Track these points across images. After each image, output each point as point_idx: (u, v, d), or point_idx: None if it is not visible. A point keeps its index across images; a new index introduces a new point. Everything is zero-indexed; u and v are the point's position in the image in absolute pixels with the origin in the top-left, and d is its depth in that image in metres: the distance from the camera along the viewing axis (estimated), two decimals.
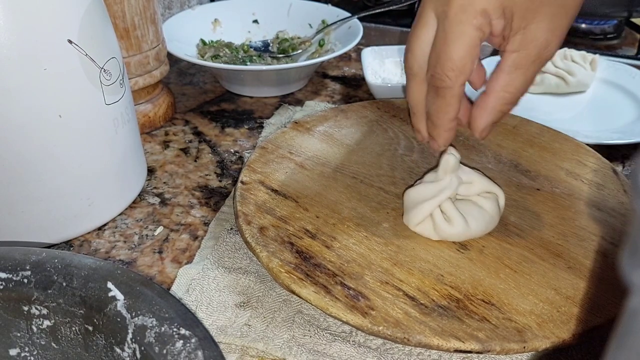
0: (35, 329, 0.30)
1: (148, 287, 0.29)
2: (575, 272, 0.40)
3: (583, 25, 0.86)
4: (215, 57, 0.70)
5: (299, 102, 0.68)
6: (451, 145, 0.42)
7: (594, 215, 0.45)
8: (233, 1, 0.80)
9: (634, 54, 0.79)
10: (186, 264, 0.44)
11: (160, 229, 0.48)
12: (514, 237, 0.43)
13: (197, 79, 0.74)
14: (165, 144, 0.60)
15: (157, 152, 0.58)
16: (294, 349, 0.36)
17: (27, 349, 0.31)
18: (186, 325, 0.27)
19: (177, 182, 0.54)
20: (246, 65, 0.70)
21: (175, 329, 0.27)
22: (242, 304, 0.39)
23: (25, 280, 0.30)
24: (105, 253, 0.45)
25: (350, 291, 0.37)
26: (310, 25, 0.77)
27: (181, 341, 0.26)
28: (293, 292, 0.37)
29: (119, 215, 0.49)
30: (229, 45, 0.74)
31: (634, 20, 0.86)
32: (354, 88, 0.72)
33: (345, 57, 0.80)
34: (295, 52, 0.74)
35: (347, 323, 0.36)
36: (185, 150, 0.59)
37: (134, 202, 0.51)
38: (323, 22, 0.76)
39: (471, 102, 0.40)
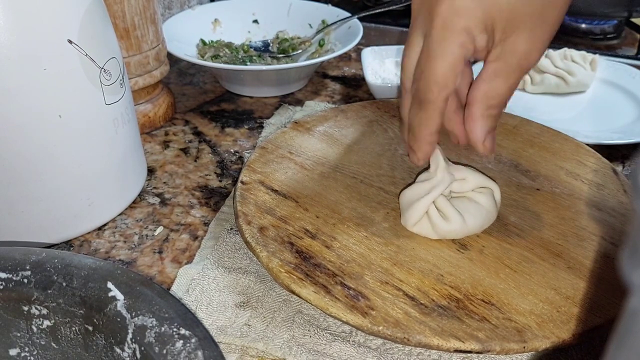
0: (35, 329, 0.30)
1: (148, 287, 0.29)
2: (575, 272, 0.40)
3: (583, 25, 0.86)
4: (215, 57, 0.70)
5: (299, 102, 0.68)
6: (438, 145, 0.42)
7: (594, 215, 0.45)
8: (233, 1, 0.80)
9: (634, 54, 0.79)
10: (186, 264, 0.44)
11: (160, 229, 0.48)
12: (514, 237, 0.43)
13: (197, 79, 0.74)
14: (165, 144, 0.60)
15: (157, 152, 0.58)
16: (294, 349, 0.36)
17: (27, 349, 0.31)
18: (186, 325, 0.27)
19: (177, 182, 0.54)
20: (246, 65, 0.70)
21: (175, 329, 0.27)
22: (242, 304, 0.39)
23: (25, 280, 0.30)
24: (105, 253, 0.45)
25: (350, 291, 0.37)
26: (310, 25, 0.77)
27: (181, 341, 0.26)
28: (293, 292, 0.37)
29: (119, 215, 0.49)
30: (229, 45, 0.74)
31: (634, 20, 0.86)
32: (354, 88, 0.72)
33: (345, 57, 0.80)
34: (295, 52, 0.74)
35: (347, 323, 0.36)
36: (185, 150, 0.59)
37: (134, 202, 0.51)
38: (323, 22, 0.76)
39: None
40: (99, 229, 0.48)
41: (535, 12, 0.36)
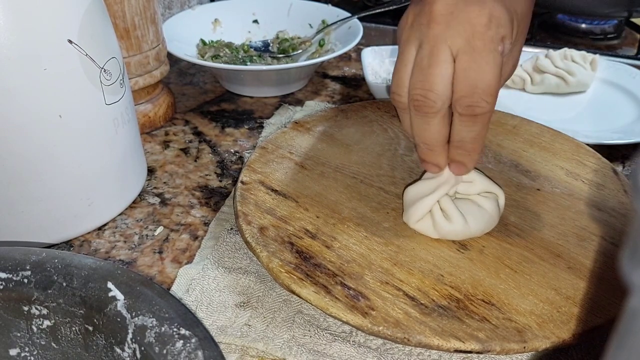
0: (35, 329, 0.30)
1: (148, 287, 0.29)
2: (575, 272, 0.40)
3: (583, 25, 0.86)
4: (215, 57, 0.70)
5: (299, 102, 0.68)
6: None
7: (594, 216, 0.45)
8: (233, 1, 0.80)
9: (634, 54, 0.79)
10: (186, 264, 0.44)
11: (160, 229, 0.48)
12: (514, 237, 0.43)
13: (197, 79, 0.74)
14: (165, 144, 0.60)
15: (157, 152, 0.58)
16: (294, 349, 0.36)
17: (27, 349, 0.31)
18: (186, 325, 0.27)
19: (177, 182, 0.54)
20: (246, 65, 0.70)
21: (175, 329, 0.27)
22: (242, 304, 0.39)
23: (25, 280, 0.30)
24: (105, 253, 0.45)
25: (351, 291, 0.37)
26: (310, 25, 0.77)
27: (181, 341, 0.26)
28: (293, 292, 0.37)
29: (119, 215, 0.49)
30: (229, 45, 0.74)
31: (634, 20, 0.86)
32: (354, 88, 0.72)
33: (345, 57, 0.80)
34: (295, 52, 0.74)
35: (347, 323, 0.36)
36: (185, 150, 0.59)
37: (134, 202, 0.51)
38: (323, 22, 0.76)
39: None
40: (99, 229, 0.48)
41: (529, 19, 0.37)
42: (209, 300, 0.40)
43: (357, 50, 0.78)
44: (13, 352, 0.31)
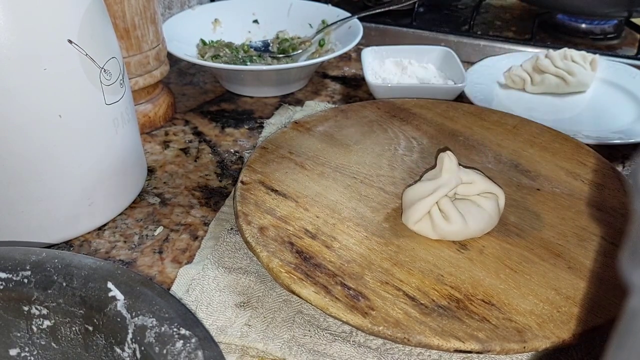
0: (35, 329, 0.30)
1: (148, 287, 0.29)
2: (575, 272, 0.40)
3: (583, 25, 0.86)
4: (215, 57, 0.70)
5: (299, 102, 0.68)
6: (448, 148, 0.42)
7: (594, 215, 0.45)
8: (233, 1, 0.80)
9: (634, 54, 0.79)
10: (186, 264, 0.44)
11: (160, 229, 0.48)
12: (514, 237, 0.43)
13: (197, 79, 0.74)
14: (165, 144, 0.60)
15: (157, 152, 0.58)
16: (294, 349, 0.36)
17: (27, 349, 0.31)
18: (186, 325, 0.27)
19: (177, 182, 0.54)
20: (246, 65, 0.70)
21: (175, 329, 0.27)
22: (242, 304, 0.39)
23: (25, 280, 0.30)
24: (105, 253, 0.45)
25: (350, 291, 0.37)
26: (310, 25, 0.77)
27: (181, 341, 0.26)
28: (293, 292, 0.37)
29: (119, 215, 0.49)
30: (229, 45, 0.74)
31: (634, 20, 0.85)
32: (354, 88, 0.72)
33: (345, 57, 0.80)
34: (295, 52, 0.74)
35: (347, 323, 0.36)
36: (185, 150, 0.59)
37: (134, 202, 0.51)
38: (323, 22, 0.76)
39: None
40: (99, 229, 0.48)
41: None
42: (209, 300, 0.40)
43: (357, 50, 0.78)
44: (13, 352, 0.31)
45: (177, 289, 0.41)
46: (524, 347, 0.34)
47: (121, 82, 0.46)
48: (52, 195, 0.43)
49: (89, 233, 0.47)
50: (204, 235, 0.47)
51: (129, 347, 0.27)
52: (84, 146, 0.43)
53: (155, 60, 0.59)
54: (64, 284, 0.29)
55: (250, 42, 0.77)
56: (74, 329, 0.29)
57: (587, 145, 0.54)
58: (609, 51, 0.80)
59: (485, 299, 0.37)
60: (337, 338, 0.37)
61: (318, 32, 0.75)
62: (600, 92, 0.68)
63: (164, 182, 0.54)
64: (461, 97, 0.65)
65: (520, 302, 0.37)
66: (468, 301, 0.37)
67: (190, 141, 0.60)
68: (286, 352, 0.36)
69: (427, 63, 0.69)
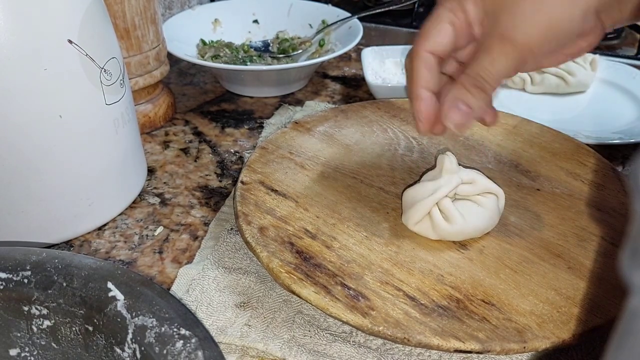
0: (35, 329, 0.30)
1: (148, 287, 0.29)
2: (575, 272, 0.40)
3: None
4: (215, 57, 0.70)
5: (299, 102, 0.68)
6: (448, 149, 0.42)
7: (594, 216, 0.45)
8: (233, 1, 0.80)
9: (634, 54, 0.79)
10: (186, 264, 0.44)
11: (160, 229, 0.48)
12: (514, 237, 0.43)
13: (197, 79, 0.74)
14: (166, 144, 0.60)
15: (157, 152, 0.58)
16: (294, 349, 0.36)
17: (27, 349, 0.31)
18: (186, 326, 0.27)
19: (177, 182, 0.54)
20: (246, 65, 0.70)
21: (175, 329, 0.27)
22: (242, 304, 0.39)
23: (26, 280, 0.30)
24: (106, 253, 0.45)
25: (351, 291, 0.37)
26: (310, 25, 0.77)
27: (181, 341, 0.26)
28: (293, 293, 0.37)
29: (119, 215, 0.49)
30: (229, 45, 0.74)
31: None
32: (354, 88, 0.72)
33: (345, 57, 0.80)
34: (295, 52, 0.74)
35: (347, 323, 0.36)
36: (185, 150, 0.59)
37: (134, 202, 0.51)
38: (323, 22, 0.76)
39: None
40: (99, 229, 0.48)
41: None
42: (209, 300, 0.40)
43: (357, 50, 0.78)
44: (13, 352, 0.31)
45: (177, 289, 0.41)
46: (524, 347, 0.34)
47: (121, 82, 0.46)
48: (52, 195, 0.43)
49: (89, 233, 0.47)
50: (204, 236, 0.47)
51: (129, 347, 0.27)
52: (84, 146, 0.43)
53: (155, 60, 0.59)
54: (64, 284, 0.29)
55: (250, 42, 0.77)
56: (74, 329, 0.29)
57: (587, 145, 0.54)
58: (609, 51, 0.80)
59: (485, 299, 0.37)
60: (337, 338, 0.37)
61: (318, 32, 0.75)
62: (600, 92, 0.68)
63: (164, 182, 0.54)
64: None
65: (520, 303, 0.37)
66: (468, 301, 0.37)
67: (190, 141, 0.60)
68: (286, 352, 0.36)
69: None
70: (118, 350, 0.28)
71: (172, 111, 0.64)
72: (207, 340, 0.26)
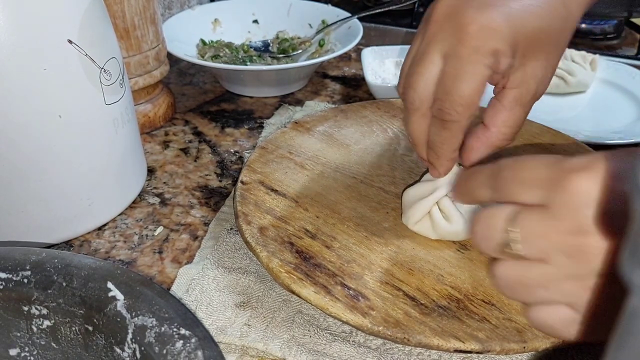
0: (35, 329, 0.30)
1: (148, 287, 0.29)
2: None
3: (583, 25, 0.86)
4: (215, 57, 0.70)
5: (299, 102, 0.68)
6: None
7: None
8: (233, 1, 0.80)
9: (634, 54, 0.79)
10: (186, 264, 0.44)
11: (160, 229, 0.48)
12: None
13: (197, 79, 0.74)
14: (165, 144, 0.60)
15: (157, 152, 0.58)
16: (293, 349, 0.36)
17: (27, 349, 0.31)
18: (186, 325, 0.27)
19: (177, 182, 0.54)
20: (246, 65, 0.70)
21: (175, 329, 0.27)
22: (242, 304, 0.39)
23: (25, 280, 0.30)
24: (105, 253, 0.45)
25: (350, 291, 0.37)
26: (310, 25, 0.77)
27: (181, 341, 0.26)
28: (293, 292, 0.37)
29: (119, 215, 0.49)
30: (229, 45, 0.74)
31: (634, 20, 0.86)
32: (354, 88, 0.72)
33: (345, 57, 0.80)
34: (295, 52, 0.74)
35: (347, 323, 0.36)
36: (185, 150, 0.59)
37: (134, 202, 0.51)
38: (323, 22, 0.76)
39: None
40: (99, 229, 0.48)
41: (553, 37, 0.36)
42: (209, 300, 0.40)
43: (357, 50, 0.78)
44: (13, 352, 0.31)
45: (177, 289, 0.41)
46: (524, 347, 0.34)
47: (121, 82, 0.46)
48: (52, 195, 0.43)
49: (89, 233, 0.47)
50: (204, 235, 0.47)
51: (129, 347, 0.27)
52: (84, 146, 0.43)
53: (155, 60, 0.59)
54: (64, 284, 0.29)
55: (250, 42, 0.77)
56: (74, 329, 0.29)
57: (587, 145, 0.54)
58: (609, 51, 0.80)
59: (485, 299, 0.37)
60: (337, 338, 0.37)
61: (318, 32, 0.75)
62: (600, 92, 0.68)
63: (164, 182, 0.54)
64: None
65: (520, 302, 0.37)
66: (468, 301, 0.37)
67: (190, 141, 0.60)
68: (286, 352, 0.36)
69: None
70: (118, 350, 0.28)
71: (171, 111, 0.64)
72: (206, 340, 0.26)
